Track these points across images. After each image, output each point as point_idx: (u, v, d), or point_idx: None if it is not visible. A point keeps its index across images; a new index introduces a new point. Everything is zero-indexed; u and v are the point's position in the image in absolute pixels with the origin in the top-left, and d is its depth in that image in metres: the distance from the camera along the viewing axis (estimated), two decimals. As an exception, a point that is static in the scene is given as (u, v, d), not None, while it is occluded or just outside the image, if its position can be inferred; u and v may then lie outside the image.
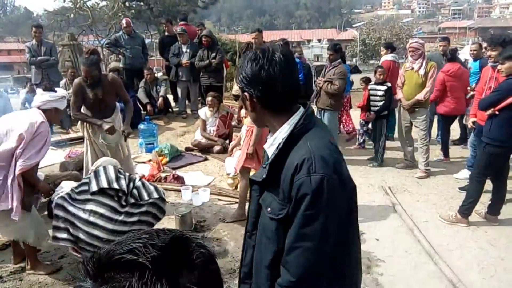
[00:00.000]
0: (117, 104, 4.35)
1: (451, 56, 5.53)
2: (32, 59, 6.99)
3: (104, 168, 3.00)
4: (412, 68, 5.05)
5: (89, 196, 2.86)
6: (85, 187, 2.92)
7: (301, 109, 1.28)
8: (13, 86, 15.19)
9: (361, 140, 6.51)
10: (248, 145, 3.86)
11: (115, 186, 2.87)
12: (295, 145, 1.21)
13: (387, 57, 6.48)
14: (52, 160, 5.61)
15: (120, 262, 0.55)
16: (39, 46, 7.04)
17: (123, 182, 2.92)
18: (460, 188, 4.58)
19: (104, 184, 2.86)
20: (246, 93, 1.25)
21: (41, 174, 3.35)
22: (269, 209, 1.25)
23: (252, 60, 1.22)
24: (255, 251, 1.38)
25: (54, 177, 4.26)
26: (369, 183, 4.99)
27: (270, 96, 1.22)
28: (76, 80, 4.05)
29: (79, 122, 4.36)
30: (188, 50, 7.42)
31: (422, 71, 4.97)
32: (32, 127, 2.75)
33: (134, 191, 3.01)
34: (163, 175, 5.14)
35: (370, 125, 6.05)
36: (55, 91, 3.01)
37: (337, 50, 5.57)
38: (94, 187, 2.86)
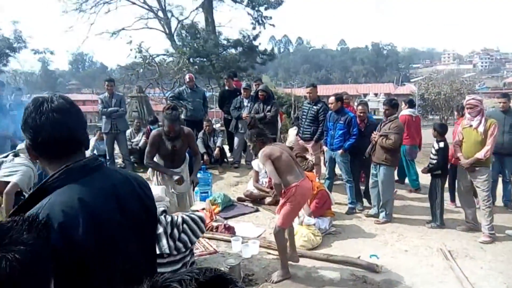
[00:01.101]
0: (186, 154, 4.62)
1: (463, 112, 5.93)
2: (103, 110, 7.62)
3: None
4: (471, 126, 4.89)
5: None
6: None
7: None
8: (84, 133, 16.50)
9: None
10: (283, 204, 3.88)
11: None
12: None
13: (405, 111, 7.00)
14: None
15: None
16: (110, 98, 7.68)
17: (164, 242, 2.91)
18: (531, 257, 4.20)
19: None
20: (26, 141, 1.27)
21: None
22: None
23: (25, 109, 1.25)
24: None
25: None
26: (427, 245, 4.72)
27: (37, 143, 1.23)
28: (155, 132, 4.36)
29: (150, 169, 4.65)
30: (249, 104, 7.77)
31: (481, 128, 4.79)
32: None
33: (183, 236, 3.06)
34: (214, 224, 5.24)
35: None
36: None
37: (393, 105, 5.59)
38: None
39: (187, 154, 4.64)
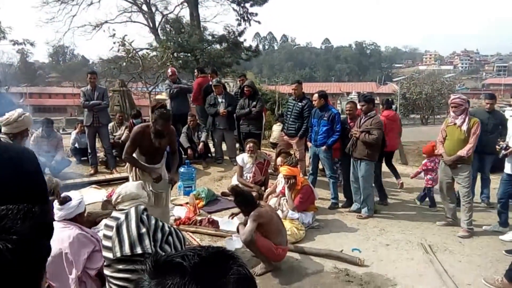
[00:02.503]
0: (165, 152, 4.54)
1: (388, 104, 7.18)
2: (86, 103, 7.47)
3: (127, 218, 2.96)
4: (455, 124, 4.98)
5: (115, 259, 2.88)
6: (109, 243, 2.93)
7: None
8: (65, 127, 16.18)
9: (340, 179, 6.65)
10: None
11: (138, 250, 2.83)
12: None
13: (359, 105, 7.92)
14: (94, 198, 5.86)
15: (171, 263, 0.67)
16: (93, 91, 7.52)
17: (147, 242, 2.86)
18: (507, 251, 4.32)
19: (127, 250, 2.83)
20: None
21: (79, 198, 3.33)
22: None
23: None
24: None
25: (95, 215, 4.44)
26: (408, 239, 4.81)
27: None
28: (139, 128, 4.20)
29: (128, 164, 4.54)
30: (223, 100, 7.76)
31: (464, 127, 4.88)
32: (73, 246, 2.84)
33: (166, 246, 3.02)
34: (198, 218, 5.22)
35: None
36: (71, 200, 3.03)
37: (368, 100, 5.61)
38: (117, 253, 2.84)
39: (165, 152, 4.57)
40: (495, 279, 3.67)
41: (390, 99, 7.88)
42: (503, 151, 4.74)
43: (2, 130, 3.96)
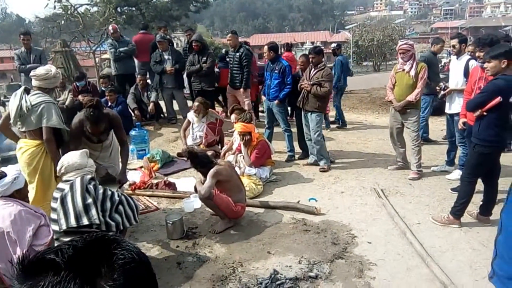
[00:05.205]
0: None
1: (288, 47, 9.42)
2: (22, 67, 6.92)
3: (72, 189, 2.84)
4: (403, 70, 5.04)
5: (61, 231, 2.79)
6: (54, 216, 2.83)
7: None
8: (6, 94, 15.06)
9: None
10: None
11: (84, 221, 2.74)
12: None
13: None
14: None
15: (43, 262, 0.59)
16: (28, 53, 6.97)
17: (94, 212, 2.77)
18: (452, 189, 4.57)
19: (72, 222, 2.74)
20: None
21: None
22: None
23: None
24: None
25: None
26: (361, 185, 4.97)
27: None
28: (77, 122, 3.85)
29: None
30: (169, 57, 7.36)
31: (412, 72, 4.97)
32: (16, 224, 2.62)
33: (116, 216, 2.93)
34: (154, 181, 5.10)
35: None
36: (5, 175, 2.74)
37: (318, 52, 5.53)
38: (63, 225, 2.75)
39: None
40: (441, 216, 3.89)
41: (290, 43, 10.25)
42: (442, 91, 4.94)
43: (35, 84, 3.68)
